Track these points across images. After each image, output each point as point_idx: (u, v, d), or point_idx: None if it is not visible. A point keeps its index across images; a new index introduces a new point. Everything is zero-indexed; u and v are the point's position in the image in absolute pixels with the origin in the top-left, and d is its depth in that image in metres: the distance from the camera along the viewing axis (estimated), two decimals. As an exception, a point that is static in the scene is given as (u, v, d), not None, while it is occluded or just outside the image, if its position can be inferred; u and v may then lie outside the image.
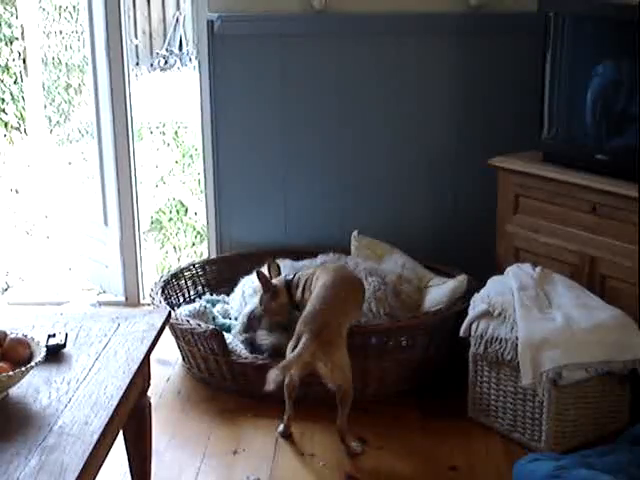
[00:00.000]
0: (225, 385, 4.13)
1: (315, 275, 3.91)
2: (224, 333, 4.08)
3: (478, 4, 4.54)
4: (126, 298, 5.14)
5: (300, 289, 3.93)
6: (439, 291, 4.24)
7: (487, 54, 4.63)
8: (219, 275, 4.77)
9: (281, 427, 3.77)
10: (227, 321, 4.39)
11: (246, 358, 4.00)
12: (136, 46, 12.61)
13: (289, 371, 3.54)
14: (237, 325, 4.23)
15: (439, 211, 4.85)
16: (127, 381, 2.82)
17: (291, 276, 4.00)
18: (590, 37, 4.03)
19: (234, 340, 4.14)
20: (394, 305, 4.16)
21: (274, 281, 4.01)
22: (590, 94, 3.97)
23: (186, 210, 6.91)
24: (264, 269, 4.07)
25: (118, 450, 3.11)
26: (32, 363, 2.73)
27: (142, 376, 3.10)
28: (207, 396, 4.13)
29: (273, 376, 3.42)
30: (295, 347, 3.53)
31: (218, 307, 4.51)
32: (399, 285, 4.26)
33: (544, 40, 4.06)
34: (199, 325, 4.05)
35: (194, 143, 8.01)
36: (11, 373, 2.66)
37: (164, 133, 8.90)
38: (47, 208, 6.26)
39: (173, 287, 4.61)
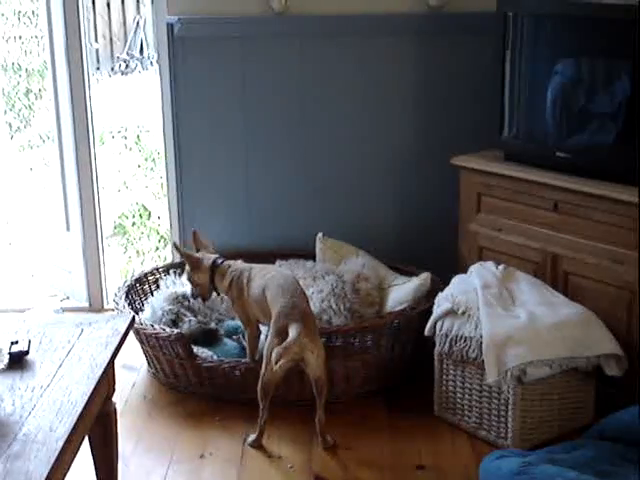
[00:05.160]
0: (191, 389, 4.11)
1: (247, 276, 3.88)
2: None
3: (438, 4, 4.55)
4: (90, 304, 5.12)
5: (227, 281, 3.92)
6: (403, 290, 4.26)
7: (448, 54, 4.65)
8: (183, 279, 4.75)
9: (252, 437, 3.72)
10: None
11: (212, 362, 4.00)
12: (96, 50, 12.55)
13: (283, 358, 3.46)
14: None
15: (403, 212, 4.87)
16: (91, 387, 2.80)
17: (221, 260, 3.99)
18: (548, 36, 4.06)
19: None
20: (354, 301, 4.19)
21: (200, 254, 4.02)
22: (549, 93, 3.99)
23: (149, 214, 6.88)
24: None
25: (84, 456, 3.10)
26: (-5, 371, 2.71)
27: (107, 382, 3.09)
28: (173, 401, 4.11)
29: (276, 356, 3.42)
30: (280, 343, 3.47)
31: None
32: (357, 283, 4.28)
33: (503, 40, 4.08)
34: (163, 330, 4.04)
35: (156, 147, 7.98)
36: (-26, 381, 2.64)
37: (126, 137, 8.86)
38: (9, 214, 6.22)
39: (137, 292, 4.59)
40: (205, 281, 3.98)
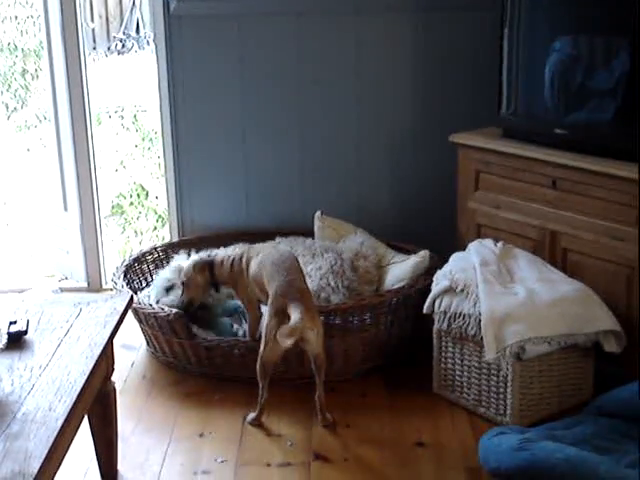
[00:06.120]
0: (190, 368, 4.11)
1: (246, 256, 3.90)
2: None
3: (436, -19, 4.54)
4: (88, 284, 5.12)
5: (227, 269, 3.93)
6: (401, 268, 4.26)
7: (447, 31, 4.63)
8: (181, 258, 4.75)
9: (251, 415, 3.71)
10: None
11: (211, 341, 4.00)
12: (92, 30, 12.48)
13: (292, 337, 3.42)
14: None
15: (402, 189, 4.86)
16: (90, 366, 2.80)
17: (212, 255, 4.03)
18: (547, 12, 4.04)
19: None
20: (352, 278, 4.19)
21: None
22: (548, 69, 3.98)
23: (147, 194, 6.87)
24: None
25: (84, 436, 3.10)
26: (-7, 350, 2.71)
27: (106, 361, 3.09)
28: (172, 380, 4.11)
29: (287, 332, 3.39)
30: (279, 322, 3.46)
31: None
32: (356, 261, 4.29)
33: (501, 16, 4.07)
34: (162, 309, 4.04)
35: (153, 126, 7.96)
36: (-28, 361, 2.64)
37: (123, 117, 8.84)
38: (6, 195, 6.22)
39: (135, 271, 4.59)
40: (204, 280, 4.00)
